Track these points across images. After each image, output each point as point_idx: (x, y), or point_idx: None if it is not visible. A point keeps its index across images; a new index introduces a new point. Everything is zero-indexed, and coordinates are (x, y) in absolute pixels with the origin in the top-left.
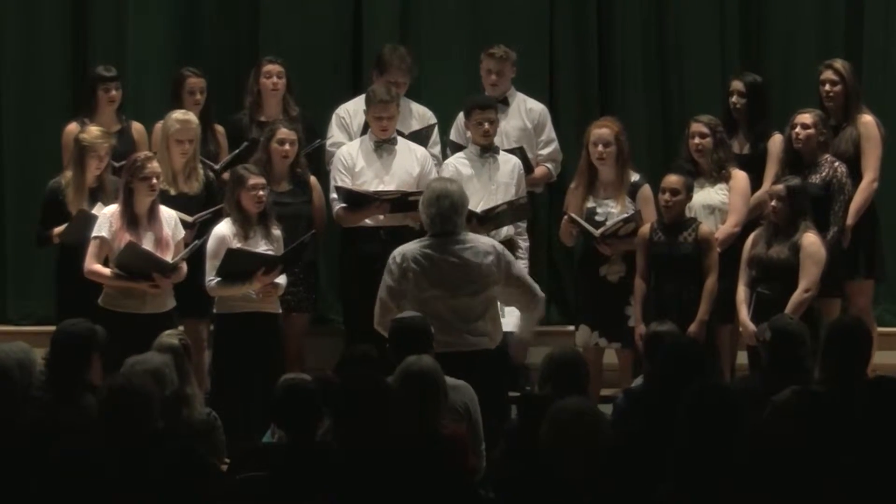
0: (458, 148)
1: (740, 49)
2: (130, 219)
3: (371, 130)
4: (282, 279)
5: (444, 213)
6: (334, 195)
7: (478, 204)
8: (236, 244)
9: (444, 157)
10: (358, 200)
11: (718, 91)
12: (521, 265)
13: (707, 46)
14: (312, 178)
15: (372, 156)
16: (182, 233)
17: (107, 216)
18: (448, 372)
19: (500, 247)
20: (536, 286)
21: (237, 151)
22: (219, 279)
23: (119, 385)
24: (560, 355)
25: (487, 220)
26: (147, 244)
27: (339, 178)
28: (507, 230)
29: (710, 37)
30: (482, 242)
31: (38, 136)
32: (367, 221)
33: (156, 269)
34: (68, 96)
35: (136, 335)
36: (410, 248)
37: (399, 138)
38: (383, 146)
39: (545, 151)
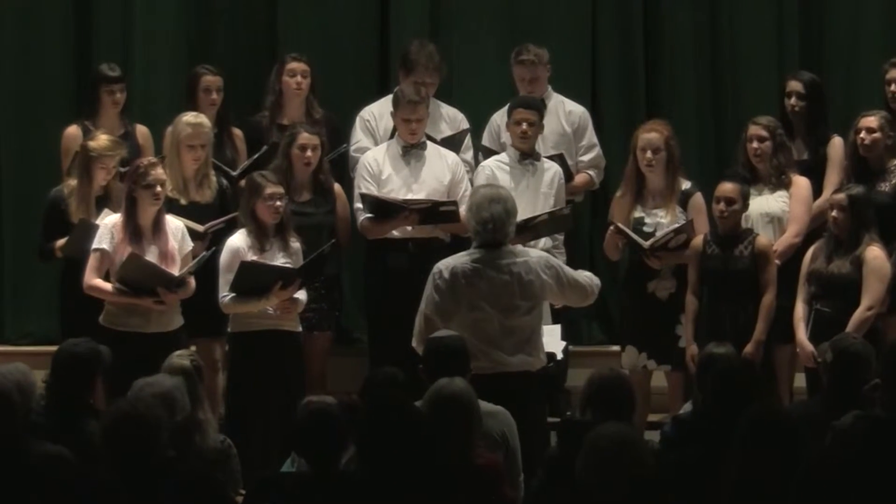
0: (490, 154)
1: (799, 46)
2: (133, 230)
3: (398, 134)
4: (301, 294)
5: (496, 220)
6: (359, 204)
7: None
8: (251, 257)
9: (477, 163)
10: (385, 210)
11: (774, 91)
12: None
13: (763, 43)
14: (336, 186)
15: (399, 162)
16: (190, 245)
17: (108, 227)
18: (489, 395)
19: (553, 260)
20: (589, 281)
21: (255, 157)
22: (233, 295)
23: (124, 410)
24: (603, 378)
25: (525, 231)
26: (151, 257)
27: (364, 186)
28: (543, 242)
29: (767, 33)
30: (534, 256)
31: (36, 140)
32: (395, 233)
33: (161, 284)
34: (69, 97)
35: (140, 356)
36: (457, 261)
37: (429, 143)
38: (412, 151)
39: (586, 157)
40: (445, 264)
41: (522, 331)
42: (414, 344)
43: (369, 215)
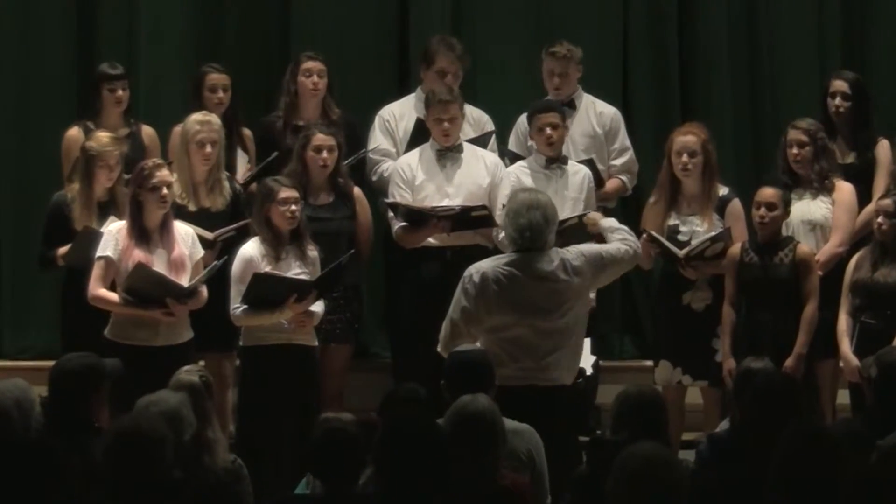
0: (517, 159)
1: (841, 44)
2: (140, 236)
3: (432, 137)
4: (318, 307)
5: (534, 228)
6: (391, 213)
7: None
8: (265, 267)
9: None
10: (416, 218)
11: (816, 92)
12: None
13: (803, 41)
14: (356, 190)
15: (434, 167)
16: (201, 252)
17: (112, 233)
18: (516, 408)
19: (584, 247)
20: (626, 245)
21: (264, 163)
22: (245, 307)
23: (127, 428)
24: (635, 395)
25: (557, 235)
26: (159, 265)
27: (398, 194)
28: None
29: (808, 30)
30: (570, 254)
31: (36, 143)
32: (432, 241)
33: (170, 295)
34: (71, 98)
35: (148, 371)
36: (489, 265)
37: (465, 144)
38: (447, 155)
39: (619, 161)
40: (477, 268)
41: (557, 339)
42: (440, 349)
43: (403, 224)
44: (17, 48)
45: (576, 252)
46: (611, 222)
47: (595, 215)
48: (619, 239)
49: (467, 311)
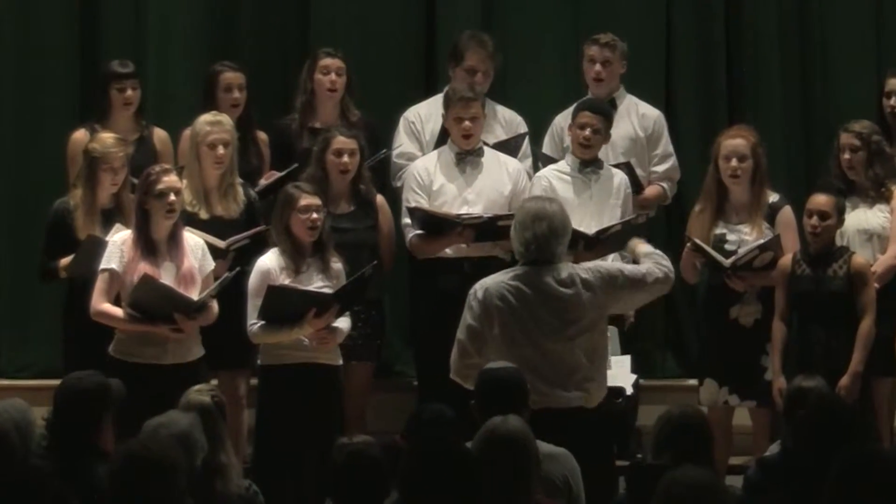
0: (551, 163)
1: None
2: (146, 247)
3: (451, 139)
4: (343, 323)
5: (539, 240)
6: (407, 219)
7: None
8: (284, 280)
9: (536, 171)
10: (436, 226)
11: (871, 92)
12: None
13: (859, 38)
14: (379, 198)
15: (453, 170)
16: (211, 264)
17: (117, 244)
18: (542, 434)
19: (603, 264)
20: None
21: (282, 175)
22: (262, 323)
23: (135, 452)
24: (679, 416)
25: (598, 244)
26: (167, 279)
27: (414, 199)
28: (611, 258)
29: (863, 26)
30: (581, 268)
31: (38, 147)
32: (448, 251)
33: (178, 309)
34: (74, 98)
35: (156, 391)
36: (495, 280)
37: (486, 148)
38: (467, 158)
39: (661, 168)
40: (481, 284)
41: (572, 357)
42: (452, 374)
43: (419, 232)
44: (17, 47)
45: (590, 266)
46: (647, 248)
47: (635, 242)
48: (651, 262)
49: (473, 329)
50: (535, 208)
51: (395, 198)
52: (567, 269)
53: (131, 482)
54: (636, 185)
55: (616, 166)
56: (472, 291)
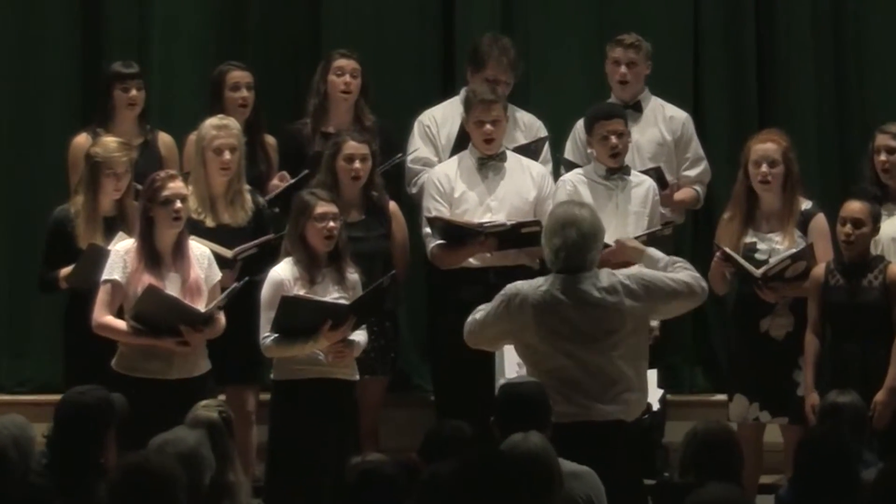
0: (573, 168)
1: None
2: (150, 256)
3: (472, 144)
4: (360, 336)
5: (569, 248)
6: (427, 229)
7: None
8: (298, 291)
9: (557, 178)
10: (458, 235)
11: None
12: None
13: (895, 38)
14: (392, 205)
15: (474, 177)
16: (218, 275)
17: (120, 254)
18: (568, 448)
19: (640, 272)
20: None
21: (293, 182)
22: (276, 336)
23: (136, 466)
24: (707, 433)
25: None
26: (172, 289)
27: (434, 208)
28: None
29: None
30: (623, 276)
31: (38, 151)
32: (472, 261)
33: (184, 321)
34: (75, 101)
35: (162, 407)
36: (528, 287)
37: (509, 153)
38: (489, 164)
39: (692, 172)
40: (515, 287)
41: (611, 370)
42: (465, 338)
43: (440, 242)
44: (16, 47)
45: (632, 273)
46: (652, 251)
47: (624, 238)
48: (686, 273)
49: (491, 322)
50: (563, 214)
51: (410, 205)
52: (607, 276)
53: (130, 495)
54: (662, 184)
55: (645, 172)
56: (504, 290)
